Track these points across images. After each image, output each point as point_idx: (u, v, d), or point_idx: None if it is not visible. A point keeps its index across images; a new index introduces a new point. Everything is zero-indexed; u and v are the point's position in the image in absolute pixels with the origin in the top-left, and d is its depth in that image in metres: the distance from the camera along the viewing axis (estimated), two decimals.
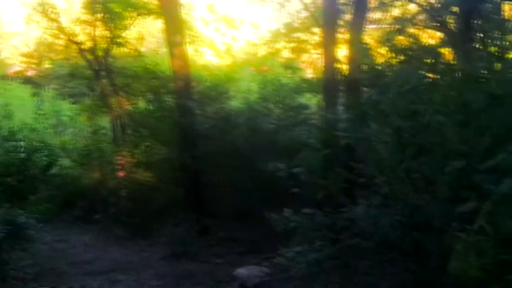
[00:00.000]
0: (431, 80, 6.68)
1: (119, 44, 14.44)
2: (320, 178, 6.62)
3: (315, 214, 6.15)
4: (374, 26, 15.01)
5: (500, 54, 7.32)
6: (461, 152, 5.09)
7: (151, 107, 12.95)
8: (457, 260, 4.15)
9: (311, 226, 6.21)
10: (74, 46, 14.36)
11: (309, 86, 11.66)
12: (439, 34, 14.20)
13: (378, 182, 5.90)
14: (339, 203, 6.23)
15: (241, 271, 7.83)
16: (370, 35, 14.67)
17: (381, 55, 9.50)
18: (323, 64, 10.00)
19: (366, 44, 8.22)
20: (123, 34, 14.46)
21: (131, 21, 14.49)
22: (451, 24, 11.95)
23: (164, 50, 14.04)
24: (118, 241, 10.64)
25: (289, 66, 12.51)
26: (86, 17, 14.10)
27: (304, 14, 15.10)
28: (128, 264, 9.06)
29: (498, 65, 6.51)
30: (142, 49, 16.06)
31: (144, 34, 17.21)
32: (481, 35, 9.78)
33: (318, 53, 13.80)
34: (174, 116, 11.57)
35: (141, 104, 13.77)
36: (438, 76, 6.87)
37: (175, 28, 11.61)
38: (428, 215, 5.09)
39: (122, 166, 12.35)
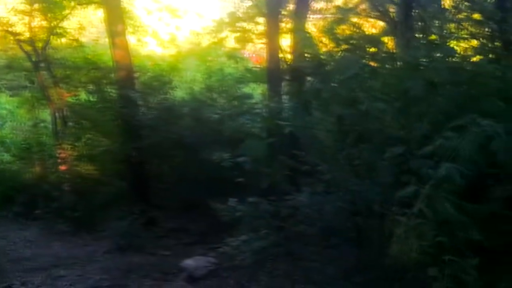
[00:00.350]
0: (371, 68, 6.79)
1: (59, 35, 14.03)
2: (265, 166, 6.66)
3: (260, 203, 6.20)
4: (317, 16, 15.19)
5: (438, 42, 7.53)
6: (400, 138, 5.21)
7: (92, 99, 12.64)
8: (398, 244, 4.26)
9: (256, 214, 6.26)
10: (11, 37, 13.85)
11: (253, 75, 11.67)
12: (381, 23, 14.50)
13: (321, 170, 6.00)
14: (283, 191, 6.30)
15: (189, 262, 7.77)
16: (313, 25, 14.83)
17: (324, 44, 9.62)
18: (267, 54, 10.03)
19: (308, 33, 8.28)
20: (63, 24, 14.07)
21: (71, 11, 14.11)
22: (392, 13, 12.23)
23: (105, 40, 13.74)
24: (61, 236, 10.37)
25: (232, 55, 12.46)
26: (24, 6, 13.62)
27: (248, 3, 15.08)
28: (72, 259, 8.84)
29: (436, 53, 6.67)
30: (83, 40, 15.65)
31: (85, 24, 16.80)
32: (421, 23, 10.04)
33: (262, 43, 13.81)
34: (116, 107, 11.34)
35: (82, 95, 13.42)
36: (379, 65, 7.00)
37: (116, 17, 11.37)
38: (369, 200, 5.20)
39: (63, 160, 12.04)
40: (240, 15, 15.05)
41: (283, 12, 10.69)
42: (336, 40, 7.05)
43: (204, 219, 9.02)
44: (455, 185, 4.28)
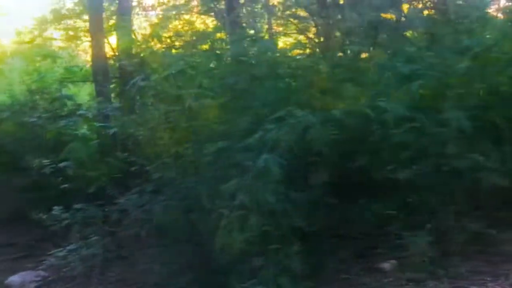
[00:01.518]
0: (197, 64, 6.81)
1: None
2: (91, 170, 6.39)
3: (87, 209, 5.94)
4: (151, 12, 15.00)
5: (258, 38, 7.77)
6: (223, 132, 5.28)
7: None
8: (223, 236, 4.29)
9: (85, 221, 6.00)
10: None
11: (75, 75, 11.13)
12: (211, 19, 14.72)
13: (150, 169, 5.90)
14: (112, 195, 6.10)
15: (14, 278, 7.18)
16: (147, 21, 14.63)
17: (152, 41, 9.48)
18: (92, 52, 9.64)
19: (132, 30, 8.12)
20: None
21: None
22: (221, 10, 12.46)
23: None
24: None
25: (50, 55, 11.80)
26: None
27: None
28: None
29: (257, 48, 6.86)
30: None
31: None
32: (246, 20, 10.30)
33: (89, 41, 13.31)
34: None
35: None
36: (205, 60, 7.05)
37: None
38: (197, 196, 5.19)
39: None
40: (65, 12, 14.41)
41: (107, 8, 10.33)
42: (159, 37, 6.98)
43: (32, 231, 8.42)
44: (275, 175, 4.41)
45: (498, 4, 10.89)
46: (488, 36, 6.39)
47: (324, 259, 5.38)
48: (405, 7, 10.57)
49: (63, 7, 14.41)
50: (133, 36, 7.14)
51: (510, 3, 10.95)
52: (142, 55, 6.66)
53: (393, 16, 9.68)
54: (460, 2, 10.27)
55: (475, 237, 5.07)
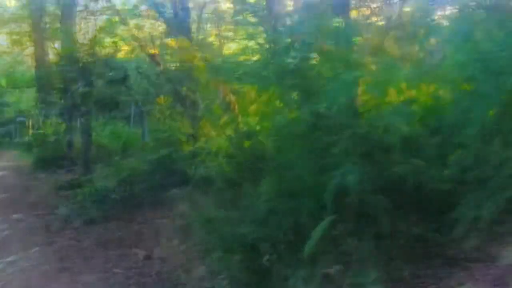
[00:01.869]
0: (144, 70, 6.71)
1: None
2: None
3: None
4: (99, 17, 14.72)
5: (208, 43, 7.72)
6: (166, 140, 5.21)
7: None
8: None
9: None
10: None
11: (20, 81, 10.81)
12: (159, 24, 14.58)
13: (92, 178, 5.77)
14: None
15: None
16: (93, 26, 14.33)
17: (96, 46, 9.30)
18: (35, 57, 9.37)
19: (75, 35, 7.94)
20: None
21: None
22: (169, 14, 12.34)
23: None
24: None
25: None
26: None
27: (17, 3, 14.10)
28: None
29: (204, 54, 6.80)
30: None
31: None
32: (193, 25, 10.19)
33: (32, 46, 12.96)
34: None
35: None
36: (151, 65, 6.97)
37: None
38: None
39: None
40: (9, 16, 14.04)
41: (51, 13, 10.07)
42: (102, 43, 6.85)
43: None
44: (217, 183, 4.35)
45: (444, 12, 11.13)
46: (431, 43, 6.47)
47: (269, 266, 5.34)
48: (353, 13, 10.70)
49: (6, 10, 13.98)
50: (76, 41, 6.93)
51: (455, 11, 11.22)
52: (85, 60, 6.49)
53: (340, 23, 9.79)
54: (406, 9, 10.46)
55: (418, 240, 5.12)
